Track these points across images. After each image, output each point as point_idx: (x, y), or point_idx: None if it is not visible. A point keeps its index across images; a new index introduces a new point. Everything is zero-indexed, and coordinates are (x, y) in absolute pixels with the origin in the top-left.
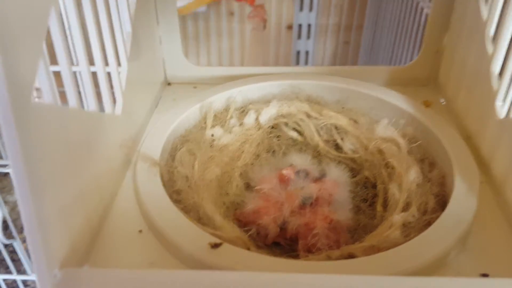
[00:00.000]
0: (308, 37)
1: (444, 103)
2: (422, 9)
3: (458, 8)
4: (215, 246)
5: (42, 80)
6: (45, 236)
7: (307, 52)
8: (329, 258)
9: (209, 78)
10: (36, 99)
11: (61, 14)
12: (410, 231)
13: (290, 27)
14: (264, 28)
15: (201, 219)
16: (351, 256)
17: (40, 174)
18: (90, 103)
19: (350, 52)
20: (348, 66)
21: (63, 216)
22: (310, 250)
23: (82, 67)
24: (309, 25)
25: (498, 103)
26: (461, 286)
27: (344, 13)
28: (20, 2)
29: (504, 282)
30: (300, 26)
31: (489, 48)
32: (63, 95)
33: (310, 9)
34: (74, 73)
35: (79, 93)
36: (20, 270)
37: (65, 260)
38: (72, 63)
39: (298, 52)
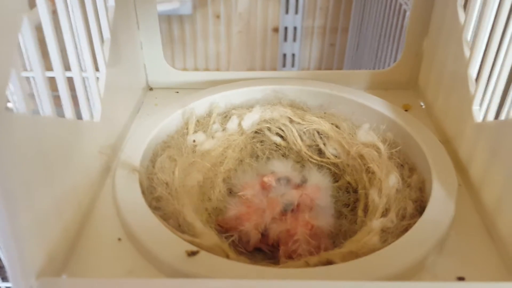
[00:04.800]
0: (294, 39)
1: (423, 106)
2: (405, 11)
3: (437, 12)
4: (192, 254)
5: (15, 88)
6: (20, 246)
7: (293, 55)
8: (307, 264)
9: (191, 83)
10: (8, 107)
11: (35, 20)
12: (388, 236)
13: (276, 30)
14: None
15: (180, 226)
16: (329, 262)
17: (14, 184)
18: (66, 110)
19: (336, 55)
20: (331, 70)
21: (39, 225)
22: (291, 256)
23: (57, 73)
24: (295, 28)
25: (475, 107)
26: None
27: (330, 15)
28: None
29: (479, 285)
30: (286, 28)
31: (466, 52)
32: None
33: (296, 11)
34: (50, 78)
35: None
36: (5, 278)
37: (42, 270)
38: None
39: (284, 55)
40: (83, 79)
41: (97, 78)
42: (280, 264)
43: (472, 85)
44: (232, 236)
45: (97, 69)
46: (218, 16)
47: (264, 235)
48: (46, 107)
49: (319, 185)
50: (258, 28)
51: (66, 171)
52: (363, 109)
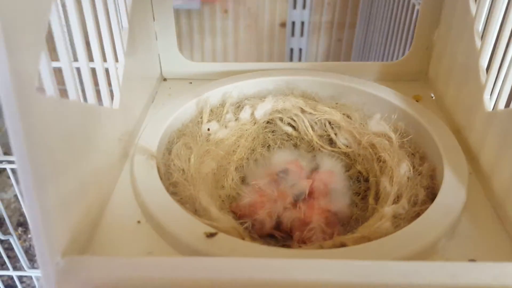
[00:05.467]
0: (302, 34)
1: (433, 97)
2: (414, 5)
3: (447, 4)
4: (210, 235)
5: (44, 74)
6: (47, 225)
7: (300, 50)
8: (321, 247)
9: (204, 74)
10: (39, 89)
11: (60, 10)
12: (400, 222)
13: (283, 25)
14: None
15: (197, 211)
16: (343, 245)
17: (43, 166)
18: (89, 97)
19: (343, 50)
20: (341, 62)
21: (64, 206)
22: (305, 242)
23: (82, 63)
24: (302, 23)
25: (486, 96)
26: (450, 270)
27: (337, 10)
28: None
29: (489, 265)
30: (293, 23)
31: (478, 43)
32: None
33: (304, 6)
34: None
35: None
36: (16, 267)
37: (67, 249)
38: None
39: (291, 50)
40: (103, 69)
41: (116, 68)
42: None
43: (483, 75)
44: (245, 222)
45: (116, 60)
46: (226, 11)
47: (277, 223)
48: (71, 93)
49: (332, 170)
50: (266, 23)
51: (89, 154)
52: (375, 100)
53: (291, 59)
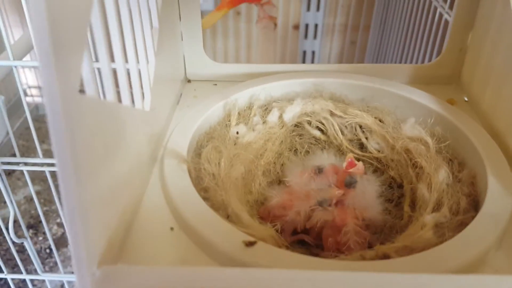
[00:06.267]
0: (315, 37)
1: (467, 101)
2: (435, 8)
3: (484, 7)
4: (249, 244)
5: (86, 74)
6: (87, 231)
7: (313, 52)
8: (363, 258)
9: (229, 75)
10: (81, 90)
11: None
12: (443, 231)
13: (296, 27)
14: (275, 27)
15: (229, 217)
16: (385, 256)
17: (83, 168)
18: (124, 99)
19: (356, 52)
20: (371, 63)
21: (101, 211)
22: (339, 249)
23: (119, 64)
24: (316, 25)
25: None
26: (503, 283)
27: (351, 13)
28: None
29: None
30: (307, 25)
31: None
32: None
33: (317, 9)
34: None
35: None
36: (27, 270)
37: (102, 258)
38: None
39: (304, 52)
40: (137, 70)
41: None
42: (328, 256)
43: None
44: (275, 226)
45: (147, 60)
46: (238, 13)
47: (306, 227)
48: (109, 94)
49: (365, 192)
50: (279, 25)
51: (121, 157)
52: (408, 103)
53: (303, 62)
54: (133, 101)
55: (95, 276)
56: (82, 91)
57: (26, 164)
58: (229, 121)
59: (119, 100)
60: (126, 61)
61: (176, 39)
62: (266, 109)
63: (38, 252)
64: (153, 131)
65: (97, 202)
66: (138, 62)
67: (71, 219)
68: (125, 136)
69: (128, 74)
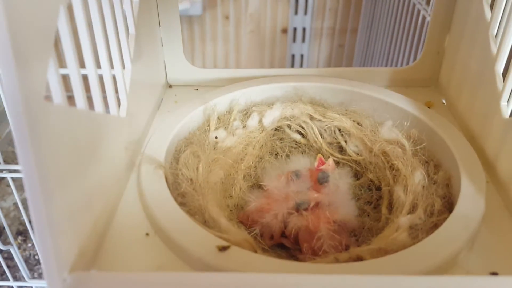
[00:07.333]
0: (303, 40)
1: (445, 103)
2: (419, 11)
3: (460, 9)
4: (223, 249)
5: (52, 81)
6: (55, 239)
7: (302, 56)
8: (337, 260)
9: (210, 80)
10: (46, 97)
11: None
12: (417, 233)
13: (285, 31)
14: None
15: (206, 222)
16: (359, 258)
17: (50, 176)
18: (97, 105)
19: (344, 55)
20: (350, 67)
21: (71, 219)
22: (316, 253)
23: (90, 70)
24: (304, 29)
25: (503, 103)
26: (474, 284)
27: (339, 16)
28: (30, 4)
29: None
30: (295, 29)
31: (493, 48)
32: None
33: (305, 12)
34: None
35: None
36: (15, 277)
37: (74, 264)
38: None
39: (293, 56)
40: (111, 76)
41: (123, 74)
42: (306, 260)
43: (499, 81)
44: (253, 231)
45: (123, 66)
46: (227, 17)
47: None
48: (79, 101)
49: (338, 187)
50: (267, 29)
51: (95, 164)
52: (386, 106)
53: (292, 65)
54: (108, 108)
55: (66, 282)
56: (49, 98)
57: (10, 171)
58: (209, 126)
59: (92, 107)
60: (99, 67)
61: (156, 44)
62: (246, 113)
63: (27, 259)
64: (131, 137)
65: (67, 210)
66: (112, 68)
67: (39, 226)
68: (100, 143)
69: (102, 80)
